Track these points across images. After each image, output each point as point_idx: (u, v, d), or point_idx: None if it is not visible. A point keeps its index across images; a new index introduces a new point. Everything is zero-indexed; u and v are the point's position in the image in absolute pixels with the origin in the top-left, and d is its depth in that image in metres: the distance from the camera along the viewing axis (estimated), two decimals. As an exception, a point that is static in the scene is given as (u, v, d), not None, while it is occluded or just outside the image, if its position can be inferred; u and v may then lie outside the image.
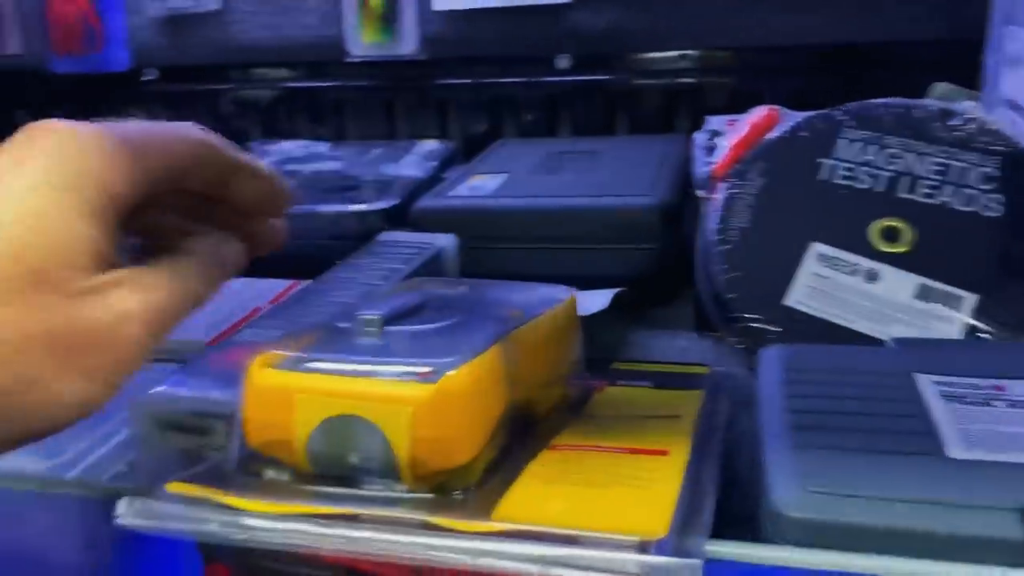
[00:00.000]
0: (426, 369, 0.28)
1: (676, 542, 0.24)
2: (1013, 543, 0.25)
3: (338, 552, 0.25)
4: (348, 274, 0.50)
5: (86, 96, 0.94)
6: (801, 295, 0.44)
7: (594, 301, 0.46)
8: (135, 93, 0.93)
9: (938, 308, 0.42)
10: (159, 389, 0.38)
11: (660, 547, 0.23)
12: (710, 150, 0.51)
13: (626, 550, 0.23)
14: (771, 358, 0.37)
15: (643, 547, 0.23)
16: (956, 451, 0.29)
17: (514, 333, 0.32)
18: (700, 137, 0.52)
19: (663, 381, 0.41)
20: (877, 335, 0.42)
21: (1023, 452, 0.29)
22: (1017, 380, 0.34)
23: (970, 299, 0.42)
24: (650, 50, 0.77)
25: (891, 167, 0.47)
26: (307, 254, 0.58)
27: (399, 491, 0.28)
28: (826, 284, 0.44)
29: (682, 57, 0.78)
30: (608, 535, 0.24)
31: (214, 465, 0.31)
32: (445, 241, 0.55)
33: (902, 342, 0.39)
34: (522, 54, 0.79)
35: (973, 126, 0.47)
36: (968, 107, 0.49)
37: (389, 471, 0.28)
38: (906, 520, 0.26)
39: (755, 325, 0.44)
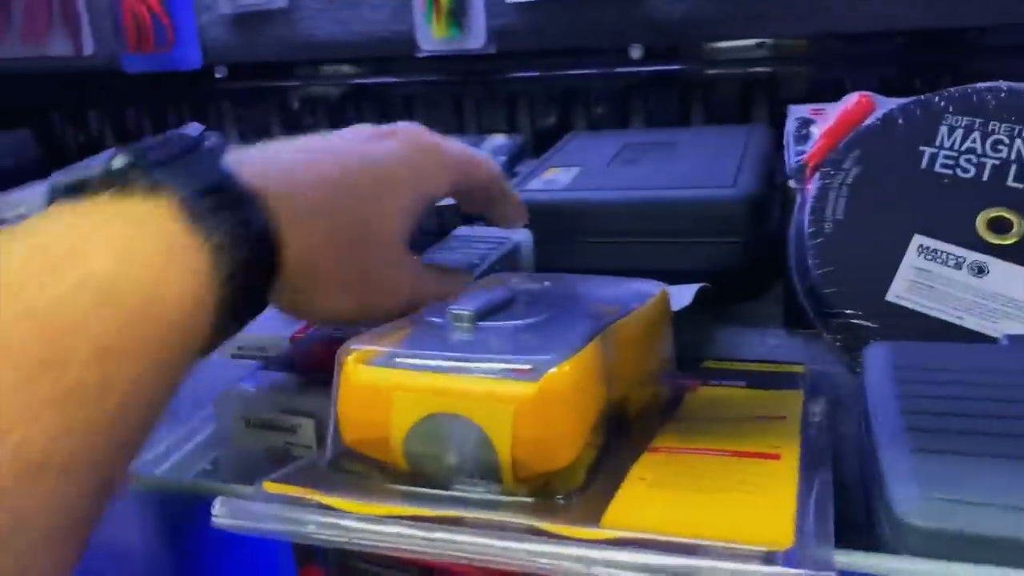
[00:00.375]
0: (526, 366, 0.27)
1: (804, 552, 0.22)
2: None
3: (441, 557, 0.24)
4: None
5: (158, 94, 0.95)
6: (902, 289, 0.42)
7: (678, 297, 0.44)
8: (206, 91, 0.94)
9: (1053, 303, 0.40)
10: (246, 386, 0.38)
11: (788, 558, 0.22)
12: (802, 139, 0.49)
13: (753, 561, 0.21)
14: (877, 356, 0.35)
15: (769, 558, 0.22)
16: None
17: (610, 328, 0.31)
18: (791, 125, 0.50)
19: (758, 381, 0.40)
20: (987, 332, 0.40)
21: None
22: None
23: (1087, 291, 0.40)
24: (726, 38, 0.75)
25: (997, 154, 0.44)
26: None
27: (499, 493, 0.27)
28: (930, 278, 0.42)
29: (759, 46, 0.75)
30: (731, 544, 0.22)
31: (307, 464, 0.30)
32: (521, 236, 0.54)
33: (1017, 339, 0.37)
34: (594, 45, 0.78)
35: (1086, 110, 0.44)
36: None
37: (489, 472, 0.27)
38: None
39: (854, 321, 0.42)
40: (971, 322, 0.40)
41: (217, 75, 0.91)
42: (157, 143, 0.29)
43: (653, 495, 0.27)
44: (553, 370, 0.26)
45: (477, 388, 0.27)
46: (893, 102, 0.48)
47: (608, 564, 0.22)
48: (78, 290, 0.23)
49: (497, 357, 0.28)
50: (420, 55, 0.79)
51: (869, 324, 0.41)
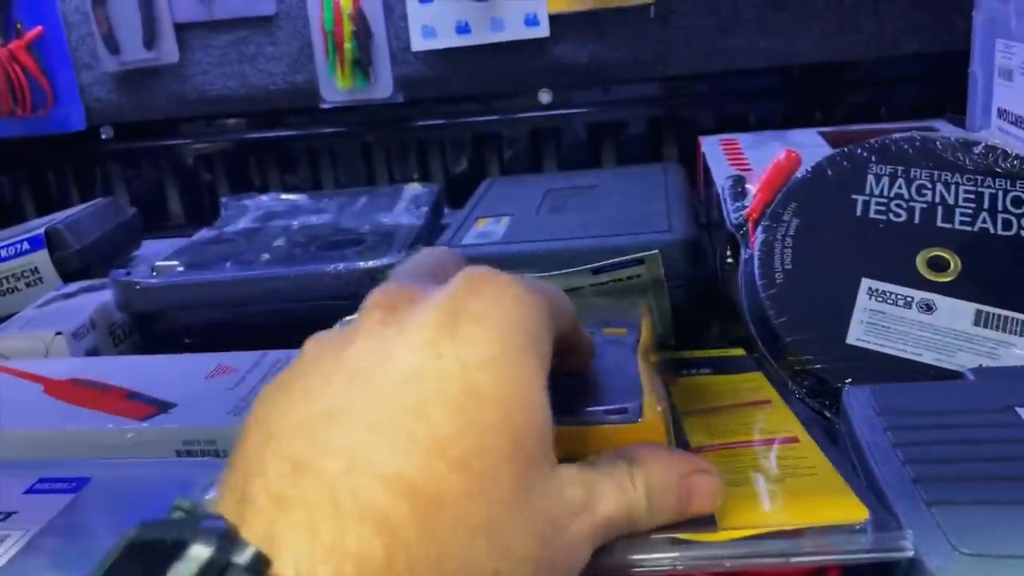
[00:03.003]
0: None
1: (880, 520, 0.27)
2: None
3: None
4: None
5: (38, 159, 0.89)
6: (860, 332, 0.44)
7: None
8: (91, 153, 0.88)
9: (998, 334, 0.42)
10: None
11: (876, 525, 0.27)
12: (738, 195, 0.50)
13: (853, 534, 0.26)
14: (858, 399, 0.37)
15: (864, 528, 0.27)
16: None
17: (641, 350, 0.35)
18: (724, 183, 0.52)
19: (720, 366, 0.44)
20: (946, 365, 0.42)
21: None
22: None
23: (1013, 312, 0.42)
24: (633, 80, 0.77)
25: (923, 198, 0.47)
26: (312, 313, 0.56)
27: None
28: (884, 319, 0.44)
29: (664, 84, 0.77)
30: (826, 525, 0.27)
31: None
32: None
33: (981, 373, 0.39)
34: (503, 90, 0.78)
35: (995, 153, 0.48)
36: (985, 135, 0.49)
37: None
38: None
39: (819, 366, 0.43)
40: (929, 357, 0.42)
41: (103, 136, 0.86)
42: None
43: (735, 492, 0.29)
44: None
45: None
46: (818, 155, 0.51)
47: (749, 556, 0.26)
48: None
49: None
50: (325, 106, 0.77)
51: (833, 367, 0.43)
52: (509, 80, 0.76)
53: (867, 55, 0.72)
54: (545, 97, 0.78)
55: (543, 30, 0.74)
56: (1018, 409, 0.34)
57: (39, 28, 0.81)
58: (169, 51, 0.80)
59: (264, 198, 0.76)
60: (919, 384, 0.39)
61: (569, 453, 0.25)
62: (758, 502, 0.29)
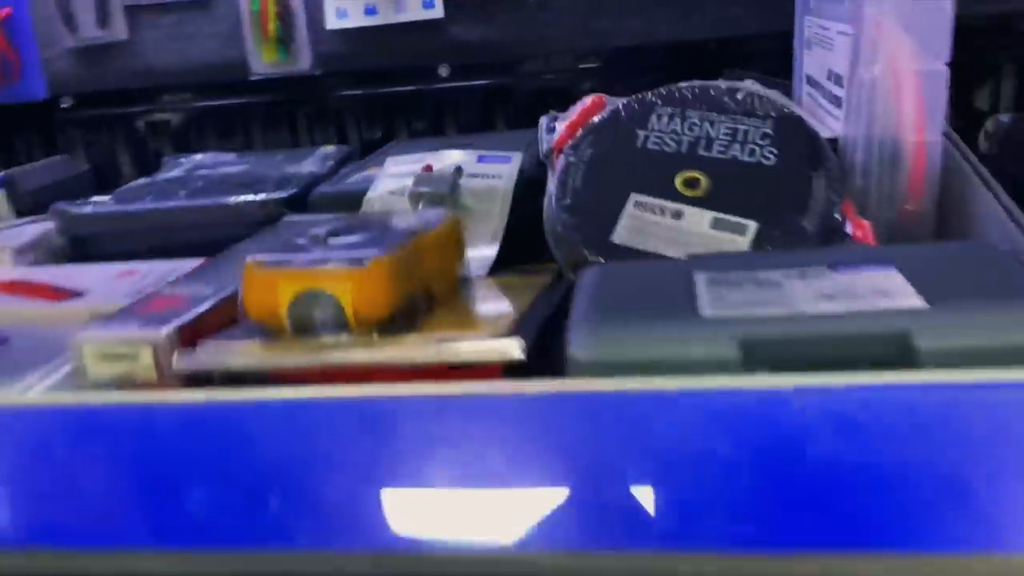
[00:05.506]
0: (358, 259, 0.42)
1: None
2: (730, 361, 0.36)
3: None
4: (256, 244, 0.59)
5: (6, 125, 1.01)
6: (623, 233, 0.55)
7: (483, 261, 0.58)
8: (54, 120, 1.00)
9: (727, 236, 0.54)
10: (94, 329, 0.46)
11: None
12: (551, 131, 0.62)
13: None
14: (592, 270, 0.48)
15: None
16: (707, 312, 0.40)
17: (412, 240, 0.47)
18: (544, 120, 0.63)
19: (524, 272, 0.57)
20: (681, 256, 0.53)
21: (754, 310, 0.39)
22: (717, 272, 0.44)
23: (752, 226, 0.54)
24: (520, 56, 0.89)
25: (692, 133, 0.58)
26: (218, 241, 0.67)
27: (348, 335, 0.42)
28: (641, 224, 0.55)
29: (544, 60, 0.89)
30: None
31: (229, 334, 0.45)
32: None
33: (694, 256, 0.50)
34: (406, 64, 0.89)
35: (753, 98, 0.59)
36: (749, 84, 0.60)
37: (341, 324, 0.41)
38: (661, 351, 0.37)
39: (590, 259, 0.54)
40: (671, 252, 0.53)
41: (63, 105, 0.98)
42: None
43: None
44: (374, 261, 0.42)
45: (330, 272, 0.42)
46: (622, 100, 0.62)
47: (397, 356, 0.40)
48: None
49: (343, 256, 0.43)
50: (252, 79, 0.89)
51: (599, 259, 0.54)
52: (411, 55, 0.88)
53: (715, 34, 0.83)
54: (444, 71, 0.89)
55: (438, 12, 0.86)
56: (696, 272, 0.45)
57: (8, 9, 0.93)
58: (119, 30, 0.92)
59: (198, 156, 0.88)
60: (642, 261, 0.50)
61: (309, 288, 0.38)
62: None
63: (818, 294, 0.40)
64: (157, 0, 0.91)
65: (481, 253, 0.60)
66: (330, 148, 0.88)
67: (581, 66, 0.89)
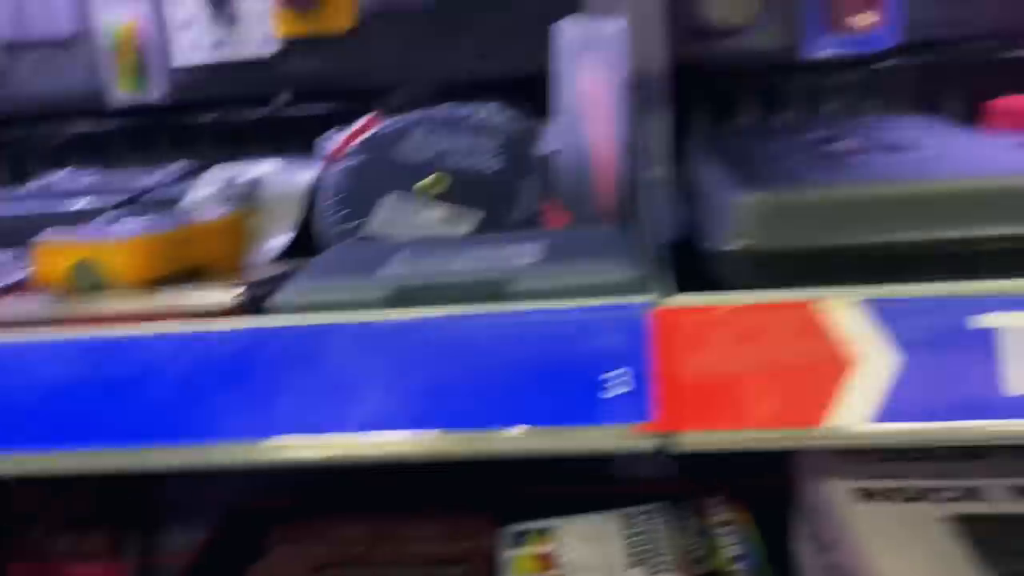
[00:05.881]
0: (123, 237, 0.54)
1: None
2: (376, 301, 0.50)
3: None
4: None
5: None
6: (377, 226, 0.69)
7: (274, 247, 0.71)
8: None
9: (455, 226, 0.68)
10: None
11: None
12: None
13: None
14: (332, 248, 0.62)
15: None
16: (380, 272, 0.54)
17: (187, 226, 0.59)
18: (328, 134, 0.78)
19: None
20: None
21: (412, 269, 0.53)
22: (421, 248, 0.58)
23: (474, 218, 0.68)
24: (343, 88, 1.03)
25: (439, 147, 0.73)
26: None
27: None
28: (393, 217, 0.69)
29: (365, 92, 1.03)
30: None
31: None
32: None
33: (418, 240, 0.65)
34: (249, 94, 1.03)
35: (488, 123, 0.74)
36: (488, 110, 0.76)
37: (106, 286, 0.53)
38: (333, 297, 0.51)
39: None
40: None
41: (-58, 130, 1.09)
42: None
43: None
44: (132, 239, 0.54)
45: (98, 245, 0.54)
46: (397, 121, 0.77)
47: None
48: None
49: (115, 231, 0.55)
50: (113, 108, 1.01)
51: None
52: (253, 86, 1.01)
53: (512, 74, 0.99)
54: (283, 99, 1.03)
55: (274, 48, 1.00)
56: (403, 250, 0.59)
57: None
58: (-4, 62, 1.04)
59: (61, 173, 1.00)
60: (371, 243, 0.65)
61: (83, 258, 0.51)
62: None
63: (475, 259, 0.55)
64: (27, 38, 1.03)
65: (278, 242, 0.73)
66: (182, 163, 1.01)
67: (414, 99, 1.04)
